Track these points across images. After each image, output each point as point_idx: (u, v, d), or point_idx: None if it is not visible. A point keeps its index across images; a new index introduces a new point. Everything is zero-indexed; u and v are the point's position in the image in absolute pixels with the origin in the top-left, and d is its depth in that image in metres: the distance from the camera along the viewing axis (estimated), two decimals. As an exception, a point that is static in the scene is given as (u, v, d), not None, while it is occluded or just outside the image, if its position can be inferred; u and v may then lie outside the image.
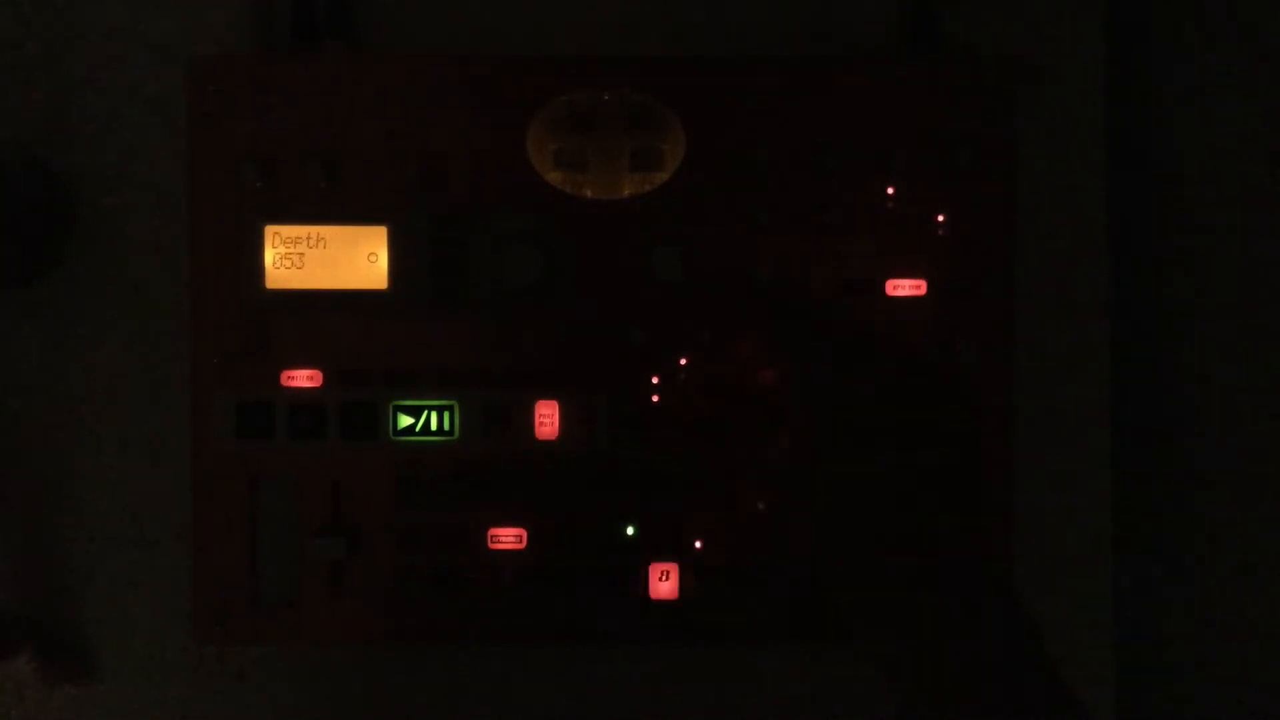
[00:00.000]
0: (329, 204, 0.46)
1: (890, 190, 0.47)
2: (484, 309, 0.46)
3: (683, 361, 0.47)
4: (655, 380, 0.47)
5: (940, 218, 0.47)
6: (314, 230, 0.46)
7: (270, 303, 0.46)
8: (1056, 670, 0.36)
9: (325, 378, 0.46)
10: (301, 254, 0.46)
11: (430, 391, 0.46)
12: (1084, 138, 0.51)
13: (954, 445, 0.40)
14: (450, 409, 0.46)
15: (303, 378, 0.46)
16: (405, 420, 0.46)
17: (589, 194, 0.47)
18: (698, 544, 0.47)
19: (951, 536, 0.38)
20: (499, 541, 0.47)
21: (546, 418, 0.46)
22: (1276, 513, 0.46)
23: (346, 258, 0.46)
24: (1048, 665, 0.36)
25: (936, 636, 0.37)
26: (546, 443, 0.46)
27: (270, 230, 0.46)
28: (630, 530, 0.47)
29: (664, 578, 0.46)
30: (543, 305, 0.47)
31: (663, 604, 0.46)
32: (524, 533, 0.47)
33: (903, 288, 0.47)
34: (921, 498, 0.39)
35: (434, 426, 0.46)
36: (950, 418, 0.41)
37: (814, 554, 0.41)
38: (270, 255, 0.46)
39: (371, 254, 0.46)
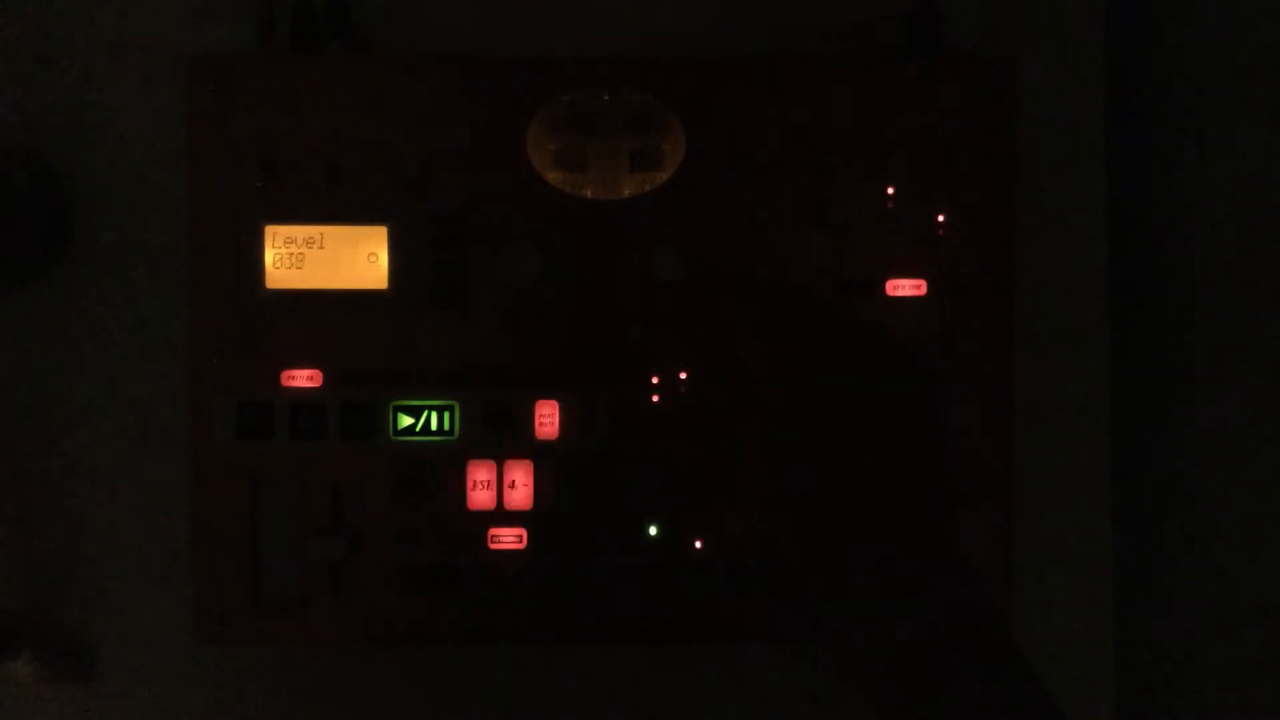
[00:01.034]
0: (329, 204, 0.46)
1: (890, 190, 0.47)
2: (484, 309, 0.46)
3: (682, 362, 0.47)
4: (655, 380, 0.47)
5: (940, 218, 0.47)
6: (314, 230, 0.46)
7: (270, 303, 0.46)
8: (1032, 673, 0.36)
9: (325, 378, 0.46)
10: (301, 254, 0.46)
11: (430, 391, 0.46)
12: (1084, 137, 0.51)
13: (923, 437, 0.40)
14: (450, 409, 0.46)
15: (303, 378, 0.46)
16: (405, 420, 0.46)
17: (589, 194, 0.47)
18: (698, 544, 0.47)
19: (920, 534, 0.38)
20: (499, 541, 0.47)
21: (546, 418, 0.46)
22: (1276, 512, 0.46)
23: (346, 258, 0.46)
24: (1017, 664, 0.36)
25: (903, 638, 0.37)
26: (546, 443, 0.46)
27: (270, 230, 0.46)
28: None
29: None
30: (543, 305, 0.47)
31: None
32: (524, 533, 0.47)
33: (903, 288, 0.47)
34: (889, 495, 0.39)
35: (434, 426, 0.46)
36: (920, 408, 0.41)
37: (784, 548, 0.41)
38: (270, 255, 0.46)
39: (371, 254, 0.46)
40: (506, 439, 0.46)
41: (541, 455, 0.47)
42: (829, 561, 0.38)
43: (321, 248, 0.46)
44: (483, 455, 0.46)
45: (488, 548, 0.47)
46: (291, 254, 0.46)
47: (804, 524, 0.39)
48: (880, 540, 0.38)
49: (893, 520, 0.38)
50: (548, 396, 0.46)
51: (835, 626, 0.38)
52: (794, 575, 0.40)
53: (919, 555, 0.38)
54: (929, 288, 0.47)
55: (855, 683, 0.38)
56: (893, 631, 0.37)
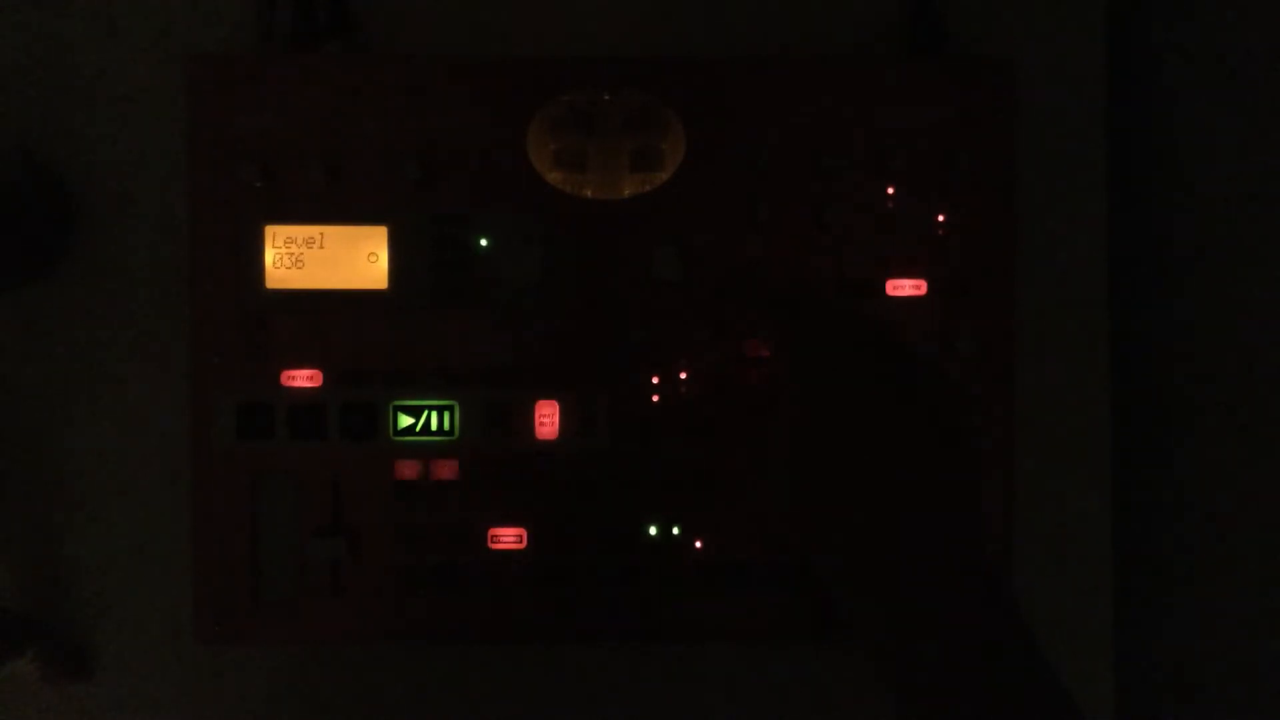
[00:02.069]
0: (329, 204, 0.46)
1: (890, 190, 0.47)
2: (484, 309, 0.47)
3: (682, 362, 0.47)
4: (655, 380, 0.47)
5: (940, 218, 0.47)
6: (314, 230, 0.46)
7: (270, 303, 0.46)
8: (1050, 670, 0.36)
9: (325, 378, 0.46)
10: (301, 254, 0.46)
11: (430, 391, 0.46)
12: (1084, 138, 0.51)
13: (948, 436, 0.40)
14: (450, 409, 0.46)
15: (303, 378, 0.46)
16: (405, 420, 0.46)
17: (589, 194, 0.47)
18: (698, 544, 0.47)
19: (944, 530, 0.38)
20: (499, 541, 0.47)
21: (546, 418, 0.46)
22: (1276, 512, 0.46)
23: (346, 258, 0.46)
24: (1042, 667, 0.36)
25: (929, 635, 0.37)
26: (546, 443, 0.46)
27: (270, 230, 0.46)
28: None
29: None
30: (543, 305, 0.47)
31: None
32: (524, 533, 0.47)
33: (903, 288, 0.47)
34: (914, 489, 0.39)
35: (434, 426, 0.46)
36: (945, 410, 0.41)
37: (806, 545, 0.41)
38: (270, 255, 0.46)
39: (371, 254, 0.46)
40: (506, 439, 0.46)
41: (541, 455, 0.47)
42: (860, 562, 0.38)
43: (321, 248, 0.46)
44: (482, 455, 0.46)
45: (488, 548, 0.47)
46: (291, 254, 0.46)
47: (835, 525, 0.39)
48: (913, 541, 0.38)
49: (927, 521, 0.38)
50: (548, 396, 0.46)
51: (863, 624, 0.38)
52: (812, 574, 0.40)
53: (951, 557, 0.38)
54: (929, 288, 0.47)
55: (883, 679, 0.38)
56: (923, 630, 0.37)
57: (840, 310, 0.45)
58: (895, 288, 0.47)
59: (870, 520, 0.38)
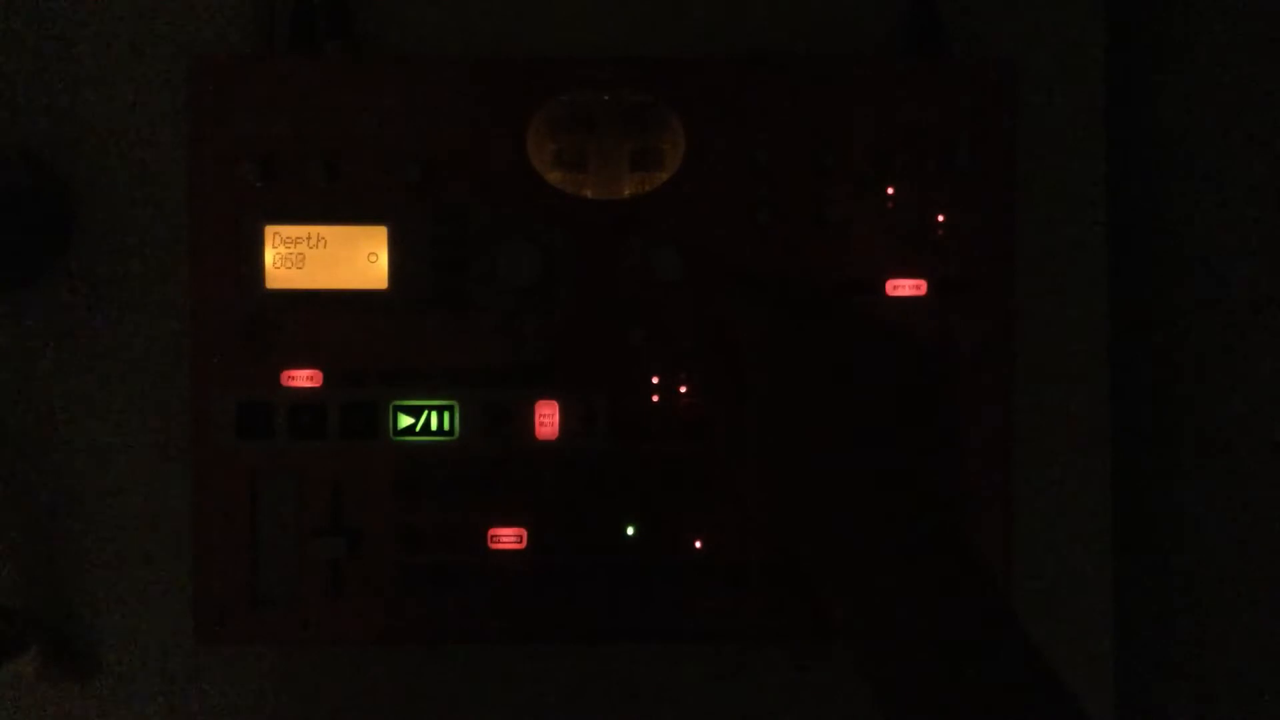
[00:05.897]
0: (329, 204, 0.46)
1: (890, 190, 0.47)
2: (484, 309, 0.47)
3: (682, 363, 0.47)
4: (655, 380, 0.47)
5: (940, 218, 0.47)
6: (314, 230, 0.46)
7: (270, 303, 0.46)
8: (1046, 665, 0.36)
9: (325, 378, 0.46)
10: (301, 254, 0.46)
11: (430, 391, 0.46)
12: (1084, 138, 0.51)
13: (933, 432, 0.40)
14: (450, 409, 0.46)
15: (303, 378, 0.46)
16: (405, 420, 0.46)
17: (589, 194, 0.47)
18: (698, 544, 0.47)
19: (913, 512, 0.38)
20: (499, 541, 0.47)
21: (546, 418, 0.46)
22: (1276, 513, 0.46)
23: (346, 258, 0.46)
24: (1023, 646, 0.36)
25: (915, 631, 0.37)
26: (546, 443, 0.46)
27: (270, 230, 0.46)
28: (630, 530, 0.47)
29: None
30: (543, 305, 0.47)
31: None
32: (524, 533, 0.47)
33: (903, 288, 0.47)
34: (898, 486, 0.39)
35: (434, 426, 0.46)
36: (931, 403, 0.41)
37: (776, 530, 0.41)
38: (270, 255, 0.46)
39: (371, 254, 0.46)
40: (506, 439, 0.46)
41: (541, 455, 0.47)
42: (839, 558, 0.38)
43: (321, 248, 0.46)
44: (483, 455, 0.46)
45: (488, 548, 0.47)
46: (291, 254, 0.46)
47: (810, 521, 0.39)
48: (891, 535, 0.38)
49: (903, 514, 0.38)
50: (548, 396, 0.46)
51: (845, 622, 0.38)
52: (798, 573, 0.40)
53: (931, 549, 0.38)
54: (929, 288, 0.47)
55: (866, 677, 0.38)
56: (905, 626, 0.37)
57: (812, 298, 0.45)
58: (895, 288, 0.47)
59: (838, 505, 0.38)
